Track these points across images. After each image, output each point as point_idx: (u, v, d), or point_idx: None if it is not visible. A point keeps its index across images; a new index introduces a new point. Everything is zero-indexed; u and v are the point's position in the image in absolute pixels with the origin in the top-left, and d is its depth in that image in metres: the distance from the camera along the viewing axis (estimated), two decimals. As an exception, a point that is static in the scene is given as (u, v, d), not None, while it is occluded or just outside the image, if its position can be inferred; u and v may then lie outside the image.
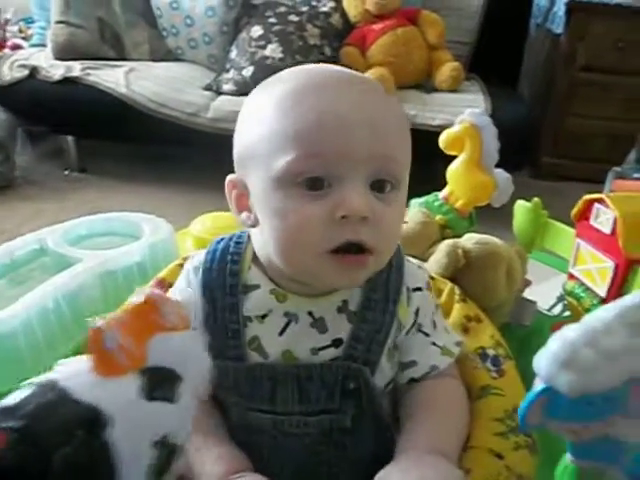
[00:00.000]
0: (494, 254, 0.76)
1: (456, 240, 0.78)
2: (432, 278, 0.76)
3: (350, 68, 1.80)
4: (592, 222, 0.77)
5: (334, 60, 2.14)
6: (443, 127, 0.92)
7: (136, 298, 0.33)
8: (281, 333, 0.54)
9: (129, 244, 0.91)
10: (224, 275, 0.56)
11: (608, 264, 0.73)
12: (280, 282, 0.54)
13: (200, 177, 2.10)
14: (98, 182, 2.25)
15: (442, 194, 0.90)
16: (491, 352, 0.67)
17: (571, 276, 0.82)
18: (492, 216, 1.00)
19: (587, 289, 0.78)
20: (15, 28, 2.75)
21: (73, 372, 0.31)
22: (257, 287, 0.55)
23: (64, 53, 2.24)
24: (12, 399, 0.30)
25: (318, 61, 2.11)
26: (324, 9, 2.22)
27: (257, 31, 2.16)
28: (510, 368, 0.66)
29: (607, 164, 1.81)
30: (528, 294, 0.86)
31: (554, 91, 2.37)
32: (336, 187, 0.47)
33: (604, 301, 0.74)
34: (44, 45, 2.37)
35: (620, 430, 0.35)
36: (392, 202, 0.50)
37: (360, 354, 0.53)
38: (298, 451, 0.54)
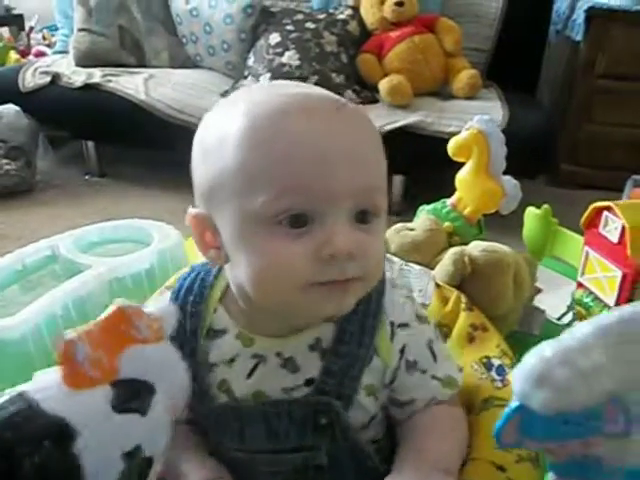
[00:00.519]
0: (501, 262, 0.75)
1: (463, 248, 0.78)
2: (438, 286, 0.76)
3: (367, 75, 1.81)
4: (601, 230, 0.76)
5: (351, 67, 2.15)
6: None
7: (109, 310, 0.33)
8: (249, 376, 0.52)
9: (138, 251, 0.92)
10: (185, 318, 0.53)
11: (616, 273, 0.72)
12: (248, 324, 0.52)
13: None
14: (117, 187, 2.28)
15: (450, 201, 0.89)
16: (496, 362, 0.66)
17: (580, 285, 0.81)
18: (502, 224, 0.99)
19: (596, 298, 0.77)
20: (39, 36, 2.82)
21: (44, 384, 0.31)
22: (224, 332, 0.53)
23: (85, 60, 2.29)
24: None
25: (335, 69, 2.12)
26: (341, 16, 2.23)
27: (275, 38, 2.18)
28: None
29: (626, 172, 1.78)
30: (538, 302, 0.85)
31: (573, 98, 2.35)
32: (319, 223, 0.45)
33: (613, 311, 0.73)
34: (67, 52, 2.41)
35: (603, 451, 0.34)
36: (375, 232, 0.48)
37: (332, 388, 0.51)
38: None
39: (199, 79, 2.27)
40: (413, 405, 0.56)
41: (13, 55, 2.62)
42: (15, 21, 3.10)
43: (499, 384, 0.64)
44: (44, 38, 2.84)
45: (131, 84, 2.15)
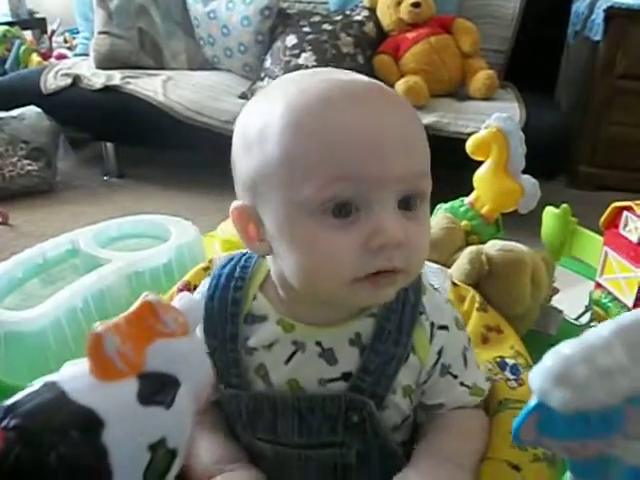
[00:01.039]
0: (518, 261, 0.75)
1: (480, 246, 0.78)
2: (455, 284, 0.76)
3: (383, 76, 1.81)
4: (621, 230, 0.75)
5: (367, 68, 2.15)
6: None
7: (136, 304, 0.33)
8: (287, 362, 0.51)
9: (156, 246, 0.93)
10: (226, 304, 0.53)
11: (636, 274, 0.71)
12: (289, 312, 0.52)
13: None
14: (135, 187, 2.31)
15: (468, 199, 0.89)
16: (510, 361, 0.66)
17: (598, 285, 0.80)
18: (520, 223, 0.99)
19: (614, 299, 0.76)
20: (60, 38, 2.86)
21: (73, 375, 0.31)
22: (264, 319, 0.53)
23: (105, 62, 2.32)
24: (14, 398, 0.30)
25: (351, 70, 2.12)
26: (358, 18, 2.24)
27: (291, 40, 2.19)
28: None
29: (646, 173, 1.77)
30: (556, 302, 0.85)
31: (592, 99, 2.32)
32: (365, 212, 0.44)
33: (632, 311, 0.73)
34: (87, 55, 2.45)
35: (621, 451, 0.34)
36: (420, 218, 0.47)
37: (367, 386, 0.51)
38: None
39: (216, 81, 2.29)
40: (439, 410, 0.56)
41: (35, 58, 2.66)
42: (38, 24, 3.16)
43: (513, 384, 0.63)
44: (65, 41, 2.88)
45: (150, 86, 2.18)
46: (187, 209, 2.02)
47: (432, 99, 2.07)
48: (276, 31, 2.28)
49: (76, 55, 2.63)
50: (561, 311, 0.82)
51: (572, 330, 0.82)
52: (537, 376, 0.32)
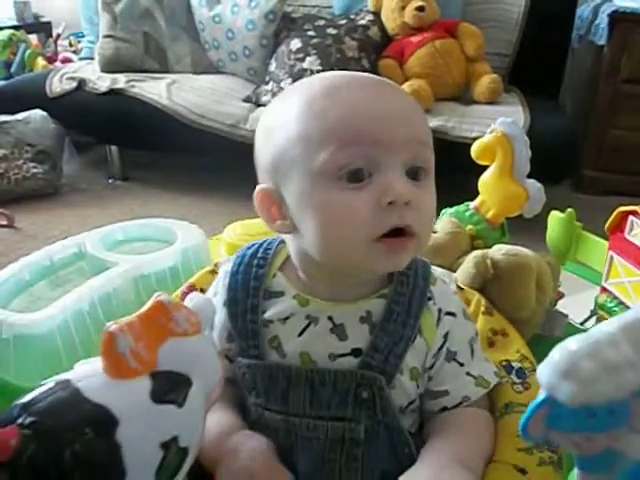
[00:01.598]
0: (523, 265, 0.75)
1: (485, 251, 0.78)
2: (460, 288, 0.76)
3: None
4: (626, 235, 0.75)
5: (372, 73, 2.15)
6: (481, 139, 0.91)
7: (149, 303, 0.34)
8: (300, 334, 0.55)
9: (163, 249, 0.93)
10: (249, 278, 0.58)
11: (642, 277, 0.71)
12: (305, 289, 0.56)
13: (238, 186, 2.13)
14: (140, 190, 2.32)
15: (473, 204, 0.89)
16: (516, 365, 0.66)
17: (604, 289, 0.80)
18: (526, 227, 0.99)
19: (620, 303, 0.76)
20: (66, 42, 2.87)
21: (87, 373, 0.32)
22: (281, 294, 0.56)
23: (110, 66, 2.33)
24: (30, 395, 0.31)
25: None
26: (362, 22, 2.24)
27: (296, 44, 2.19)
28: (536, 382, 0.64)
29: (651, 178, 1.76)
30: (561, 307, 0.85)
31: (597, 103, 2.33)
32: (376, 176, 0.49)
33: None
34: (92, 58, 2.46)
35: (626, 445, 0.34)
36: (427, 188, 0.52)
37: (377, 363, 0.53)
38: (310, 455, 0.54)
39: (221, 84, 2.29)
40: (445, 398, 0.57)
41: (41, 61, 2.67)
42: (43, 28, 3.18)
43: (519, 387, 0.63)
44: (70, 45, 2.90)
45: (154, 89, 2.18)
46: (192, 212, 2.03)
47: (436, 103, 2.07)
48: (281, 35, 2.28)
49: (81, 59, 2.65)
50: (566, 315, 0.82)
51: (578, 334, 0.82)
52: (545, 371, 0.33)
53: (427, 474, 0.50)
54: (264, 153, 0.54)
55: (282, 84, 2.15)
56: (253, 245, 0.61)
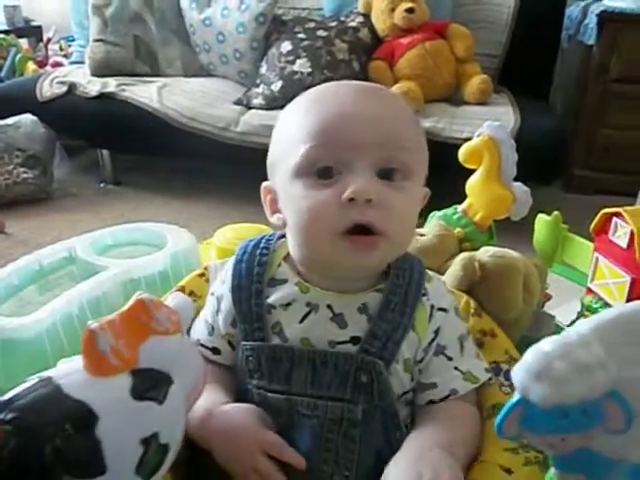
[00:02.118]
0: (510, 267, 0.75)
1: (472, 253, 0.78)
2: (449, 291, 0.76)
3: (378, 82, 1.81)
4: (610, 236, 0.76)
5: (362, 75, 2.16)
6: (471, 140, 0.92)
7: (130, 302, 0.34)
8: (301, 321, 0.57)
9: (153, 254, 0.94)
10: (252, 266, 0.61)
11: (625, 279, 0.72)
12: (306, 277, 0.59)
13: (229, 190, 2.15)
14: (132, 194, 2.31)
15: (461, 207, 0.90)
16: (504, 366, 0.66)
17: (589, 290, 0.81)
18: (514, 230, 0.99)
19: (605, 304, 0.77)
20: (56, 46, 2.86)
21: (68, 370, 0.33)
22: (284, 281, 0.60)
23: (101, 70, 2.32)
24: (12, 391, 0.32)
25: (346, 76, 2.13)
26: (352, 24, 2.25)
27: (286, 47, 2.20)
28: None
29: (640, 177, 1.78)
30: (548, 309, 0.85)
31: (586, 103, 2.34)
32: (344, 174, 0.53)
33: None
34: (83, 62, 2.45)
35: (599, 444, 0.34)
36: (401, 189, 0.54)
37: (376, 349, 0.56)
38: (308, 434, 0.56)
39: (212, 87, 2.29)
40: (433, 391, 0.59)
41: (31, 65, 2.66)
42: (33, 32, 3.16)
43: (508, 389, 0.64)
44: (61, 49, 2.89)
45: (145, 93, 2.18)
46: (183, 216, 2.03)
47: (427, 104, 2.08)
48: (271, 38, 2.28)
49: (72, 63, 2.64)
50: (553, 316, 0.82)
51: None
52: (518, 372, 0.33)
53: (410, 458, 0.52)
54: (270, 153, 0.61)
55: (273, 87, 2.15)
56: (255, 238, 0.65)
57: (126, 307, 0.34)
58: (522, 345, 0.71)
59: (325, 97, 0.57)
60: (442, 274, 0.80)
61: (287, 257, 0.62)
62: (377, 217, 0.52)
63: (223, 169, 2.32)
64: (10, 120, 2.18)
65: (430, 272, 0.65)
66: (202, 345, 0.63)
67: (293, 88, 2.05)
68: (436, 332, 0.59)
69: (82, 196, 2.29)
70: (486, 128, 0.86)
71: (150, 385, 0.34)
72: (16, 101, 2.29)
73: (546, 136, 1.96)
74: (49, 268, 0.94)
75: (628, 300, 0.71)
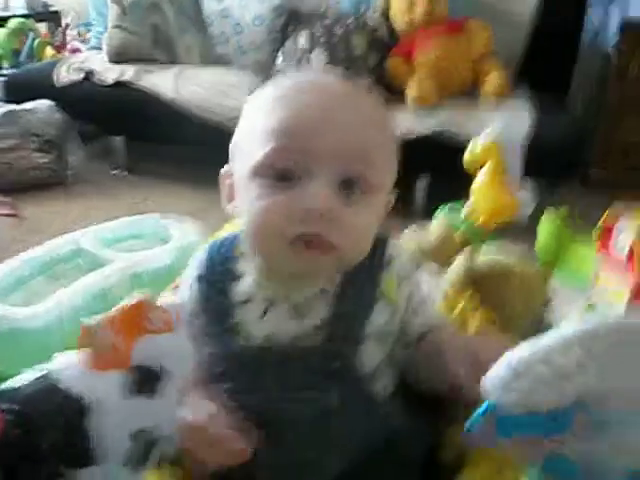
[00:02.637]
0: (507, 270, 0.75)
1: (472, 254, 0.78)
2: (447, 291, 0.76)
3: (395, 78, 1.79)
4: (612, 242, 0.75)
5: (379, 71, 2.15)
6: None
7: (127, 302, 0.35)
8: (262, 317, 0.56)
9: (159, 247, 0.95)
10: (217, 263, 0.60)
11: (626, 287, 0.71)
12: (263, 270, 0.57)
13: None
14: (145, 182, 2.33)
15: (465, 209, 0.89)
16: None
17: (591, 297, 0.80)
18: (521, 228, 0.98)
19: (606, 311, 0.76)
20: (74, 32, 2.88)
21: (65, 364, 0.35)
22: (242, 276, 0.58)
23: (118, 56, 2.33)
24: (14, 383, 0.34)
25: (363, 72, 2.12)
26: (370, 19, 2.23)
27: (303, 40, 2.19)
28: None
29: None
30: (549, 314, 0.84)
31: (606, 104, 2.31)
32: (304, 180, 0.51)
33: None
34: (100, 48, 2.46)
35: (569, 450, 0.35)
36: (359, 205, 0.53)
37: (341, 333, 0.55)
38: (286, 431, 0.55)
39: (227, 78, 2.29)
40: (417, 330, 0.61)
41: (49, 51, 2.69)
42: (52, 18, 3.18)
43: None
44: (79, 34, 2.90)
45: (161, 81, 2.19)
46: (195, 205, 2.04)
47: (443, 100, 2.06)
48: (288, 30, 2.27)
49: (90, 49, 2.65)
50: (554, 323, 0.82)
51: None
52: (491, 377, 0.33)
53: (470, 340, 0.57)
54: (234, 135, 0.59)
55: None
56: (230, 234, 0.63)
57: (124, 306, 0.36)
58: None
59: (292, 94, 0.54)
60: (443, 273, 0.80)
61: (246, 250, 0.60)
62: (330, 231, 0.51)
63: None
64: (27, 105, 2.20)
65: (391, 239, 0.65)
66: None
67: (308, 81, 2.04)
68: (408, 299, 0.60)
69: (96, 182, 2.31)
70: (489, 133, 0.85)
71: (143, 381, 0.36)
72: (33, 86, 2.32)
73: (564, 135, 1.93)
74: (57, 260, 0.96)
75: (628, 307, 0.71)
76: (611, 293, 0.75)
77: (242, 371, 0.56)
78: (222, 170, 0.60)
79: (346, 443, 0.56)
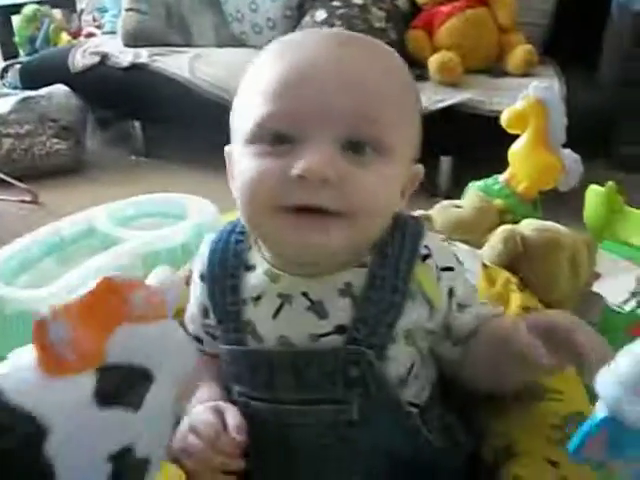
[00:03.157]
0: (555, 242, 0.69)
1: (514, 226, 0.72)
2: (485, 266, 0.70)
3: (416, 52, 1.73)
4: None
5: (400, 44, 2.08)
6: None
7: (95, 282, 0.27)
8: (274, 317, 0.50)
9: (174, 225, 0.90)
10: (227, 257, 0.53)
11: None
12: (275, 262, 0.51)
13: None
14: (162, 167, 2.29)
15: (503, 177, 0.83)
16: None
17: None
18: (561, 202, 0.92)
19: (664, 284, 0.70)
20: (89, 17, 2.85)
21: (15, 367, 0.26)
22: (253, 268, 0.52)
23: (133, 40, 2.30)
24: None
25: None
26: (390, -10, 2.16)
27: (321, 15, 2.13)
28: (571, 368, 0.59)
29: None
30: (597, 288, 0.79)
31: (637, 75, 2.20)
32: (300, 145, 0.44)
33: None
34: (115, 33, 2.43)
35: None
36: (371, 166, 0.45)
37: (364, 338, 0.48)
38: (302, 444, 0.50)
39: (244, 58, 2.22)
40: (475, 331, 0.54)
41: (64, 36, 2.67)
42: (67, 3, 3.16)
43: (553, 369, 0.58)
44: (94, 19, 2.87)
45: (177, 63, 2.15)
46: (214, 189, 1.98)
47: (467, 75, 1.99)
48: (305, 6, 2.22)
49: (104, 33, 2.63)
50: (603, 297, 0.76)
51: (615, 318, 0.76)
52: (608, 382, 0.26)
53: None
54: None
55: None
56: (232, 222, 0.56)
57: (89, 288, 0.27)
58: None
59: (289, 49, 0.48)
60: (480, 248, 0.74)
61: (257, 238, 0.54)
62: (333, 199, 0.44)
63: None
64: (43, 91, 2.18)
65: (456, 245, 0.59)
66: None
67: (327, 58, 1.98)
68: (450, 293, 0.52)
69: (113, 168, 2.28)
70: (532, 90, 0.78)
71: (121, 386, 0.27)
72: (49, 72, 2.30)
73: (594, 110, 1.86)
74: (69, 240, 0.92)
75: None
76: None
77: (253, 375, 0.51)
78: (226, 147, 0.53)
79: (368, 462, 0.50)
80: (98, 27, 2.78)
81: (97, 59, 2.22)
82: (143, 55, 2.19)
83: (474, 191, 0.82)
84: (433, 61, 1.97)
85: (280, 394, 0.50)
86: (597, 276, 0.77)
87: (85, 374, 0.26)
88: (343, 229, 0.45)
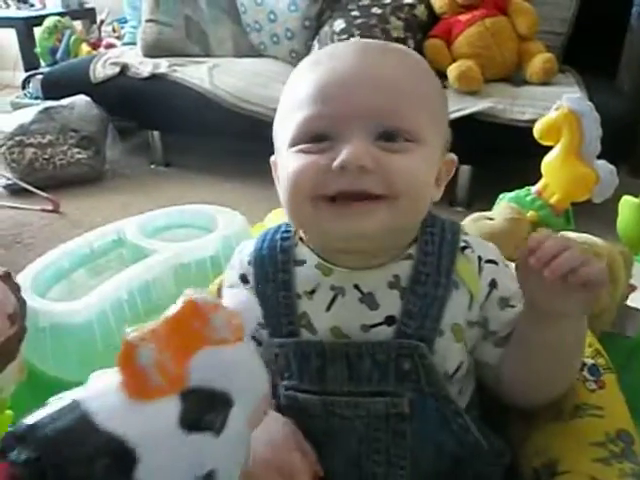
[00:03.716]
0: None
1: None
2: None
3: (434, 61, 1.74)
4: None
5: (418, 53, 2.07)
6: (534, 122, 0.85)
7: (178, 304, 0.27)
8: (328, 308, 0.52)
9: (203, 237, 0.90)
10: (275, 253, 0.55)
11: None
12: (325, 256, 0.53)
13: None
14: (182, 176, 2.30)
15: (535, 188, 0.82)
16: (589, 361, 0.60)
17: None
18: (593, 214, 0.91)
19: None
20: (109, 28, 2.88)
21: (100, 391, 0.25)
22: (303, 262, 0.54)
23: (152, 50, 2.32)
24: (30, 419, 0.25)
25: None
26: (408, 0, 2.15)
27: (339, 25, 2.13)
28: (611, 382, 0.58)
29: None
30: (633, 301, 0.77)
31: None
32: (338, 142, 0.47)
33: None
34: (135, 43, 2.46)
35: None
36: (405, 152, 0.48)
37: (413, 331, 0.50)
38: (351, 437, 0.50)
39: (263, 68, 2.25)
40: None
41: (85, 47, 2.69)
42: (87, 15, 3.22)
43: (592, 385, 0.58)
44: (114, 30, 2.91)
45: (196, 73, 2.16)
46: (234, 198, 2.00)
47: (486, 84, 1.98)
48: (324, 16, 2.22)
49: (124, 44, 2.65)
50: None
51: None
52: None
53: None
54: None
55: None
56: (279, 224, 0.59)
57: (173, 310, 0.27)
58: (604, 343, 0.64)
59: (320, 61, 0.51)
60: (512, 261, 0.73)
61: (304, 236, 0.56)
62: (375, 182, 0.46)
63: (273, 151, 2.28)
64: (64, 101, 2.20)
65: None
66: None
67: (346, 67, 1.98)
68: (492, 285, 0.53)
69: (133, 177, 2.30)
70: (565, 100, 0.78)
71: (204, 410, 0.26)
72: (70, 82, 2.32)
73: (615, 118, 1.83)
74: (99, 251, 0.92)
75: None
76: None
77: (304, 367, 0.52)
78: (272, 158, 0.57)
79: (415, 455, 0.50)
80: (118, 38, 2.81)
81: (117, 70, 2.24)
82: (163, 65, 2.21)
83: (506, 202, 0.81)
84: (452, 70, 1.96)
85: (331, 386, 0.51)
86: (633, 288, 0.76)
87: (170, 398, 0.26)
88: (385, 211, 0.47)
